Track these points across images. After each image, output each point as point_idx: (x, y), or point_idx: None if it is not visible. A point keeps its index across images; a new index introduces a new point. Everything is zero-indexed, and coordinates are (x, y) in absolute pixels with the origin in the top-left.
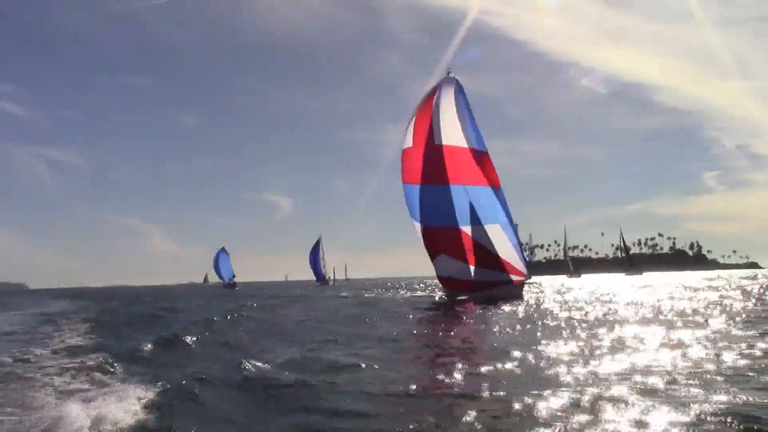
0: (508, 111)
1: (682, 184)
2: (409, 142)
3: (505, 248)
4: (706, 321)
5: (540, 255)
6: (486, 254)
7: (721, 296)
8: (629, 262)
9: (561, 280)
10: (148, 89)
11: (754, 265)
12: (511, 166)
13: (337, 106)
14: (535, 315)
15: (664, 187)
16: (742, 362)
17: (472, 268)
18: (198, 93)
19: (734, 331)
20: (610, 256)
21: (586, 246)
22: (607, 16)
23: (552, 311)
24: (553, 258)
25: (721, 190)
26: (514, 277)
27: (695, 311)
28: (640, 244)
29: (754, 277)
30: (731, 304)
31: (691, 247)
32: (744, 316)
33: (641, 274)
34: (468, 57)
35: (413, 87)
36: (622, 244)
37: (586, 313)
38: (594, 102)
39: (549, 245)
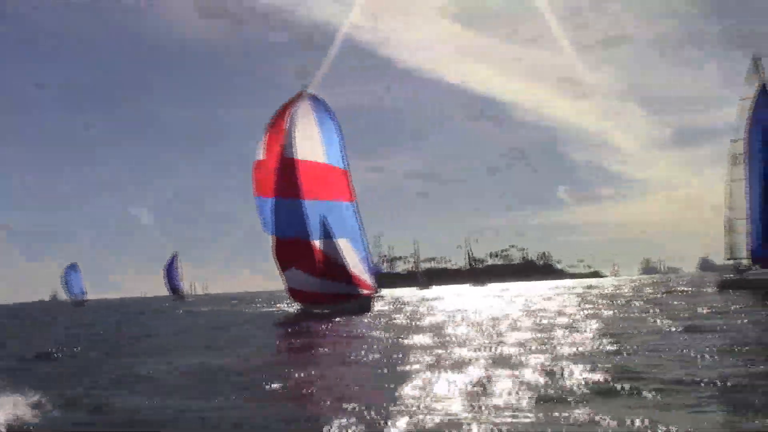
0: (377, 125)
1: (540, 198)
2: (260, 155)
3: (354, 262)
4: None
5: (400, 267)
6: (336, 267)
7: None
8: (475, 273)
9: (412, 291)
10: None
11: (596, 275)
12: (380, 179)
13: (218, 117)
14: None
15: (524, 200)
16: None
17: (322, 281)
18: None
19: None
20: (466, 267)
21: (443, 258)
22: (469, 37)
23: None
24: (410, 270)
25: (573, 204)
26: (363, 291)
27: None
28: (494, 255)
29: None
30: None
31: (541, 257)
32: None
33: (485, 285)
34: (334, 71)
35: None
36: (468, 256)
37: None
38: (458, 117)
39: (408, 257)
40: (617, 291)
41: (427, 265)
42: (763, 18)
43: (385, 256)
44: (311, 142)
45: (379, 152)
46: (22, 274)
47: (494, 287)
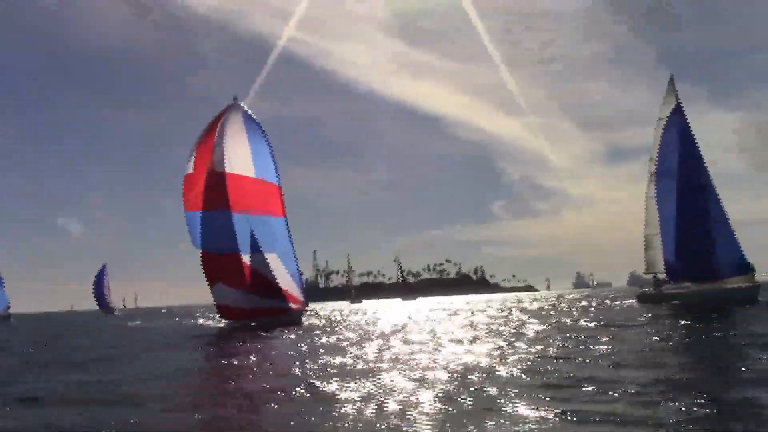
0: (315, 138)
1: (476, 212)
2: (190, 169)
3: (283, 276)
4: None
5: (336, 281)
6: (264, 282)
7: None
8: (407, 287)
9: (342, 305)
10: None
11: (530, 288)
12: (317, 193)
13: (153, 126)
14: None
15: (461, 214)
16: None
17: (250, 295)
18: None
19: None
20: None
21: (379, 272)
22: (407, 52)
23: None
24: (345, 284)
25: (508, 219)
26: (293, 305)
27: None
28: (430, 269)
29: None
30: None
31: (475, 272)
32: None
33: (415, 299)
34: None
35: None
36: (399, 271)
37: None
38: (395, 132)
39: (343, 271)
40: (530, 305)
41: (363, 279)
42: (692, 38)
43: (321, 270)
44: (241, 156)
45: (317, 165)
46: None
47: (425, 301)
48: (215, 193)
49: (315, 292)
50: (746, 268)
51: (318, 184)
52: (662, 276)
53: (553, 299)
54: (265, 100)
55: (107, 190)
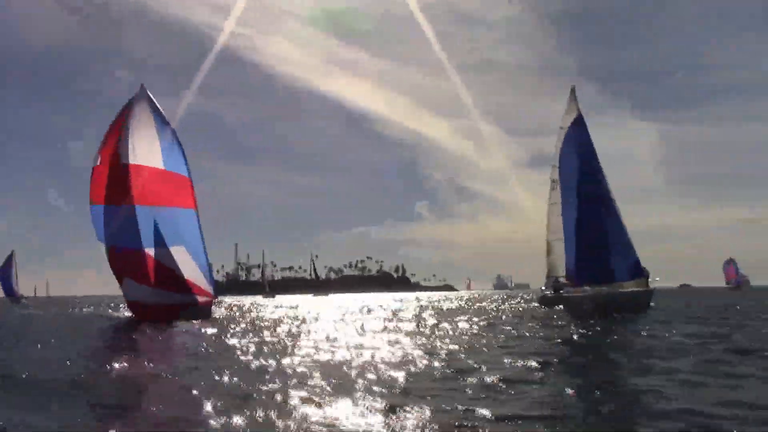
0: (245, 136)
1: (400, 212)
2: (98, 161)
3: (192, 269)
4: None
5: (257, 275)
6: (172, 277)
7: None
8: (325, 284)
9: (254, 299)
10: None
11: (450, 288)
12: (242, 185)
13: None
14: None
15: (386, 213)
16: None
17: (158, 291)
18: None
19: None
20: (323, 277)
21: (301, 267)
22: (340, 50)
23: None
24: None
25: (431, 219)
26: (201, 298)
27: None
28: (351, 266)
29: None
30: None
31: (396, 270)
32: None
33: (327, 295)
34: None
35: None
36: (312, 267)
37: None
38: (322, 129)
39: (266, 266)
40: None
41: (285, 274)
42: (617, 53)
43: (242, 263)
44: (148, 147)
45: (244, 160)
46: None
47: (336, 298)
48: (118, 186)
49: (235, 285)
50: (640, 273)
51: (244, 179)
52: (562, 279)
53: (456, 300)
54: (199, 95)
55: (21, 179)
